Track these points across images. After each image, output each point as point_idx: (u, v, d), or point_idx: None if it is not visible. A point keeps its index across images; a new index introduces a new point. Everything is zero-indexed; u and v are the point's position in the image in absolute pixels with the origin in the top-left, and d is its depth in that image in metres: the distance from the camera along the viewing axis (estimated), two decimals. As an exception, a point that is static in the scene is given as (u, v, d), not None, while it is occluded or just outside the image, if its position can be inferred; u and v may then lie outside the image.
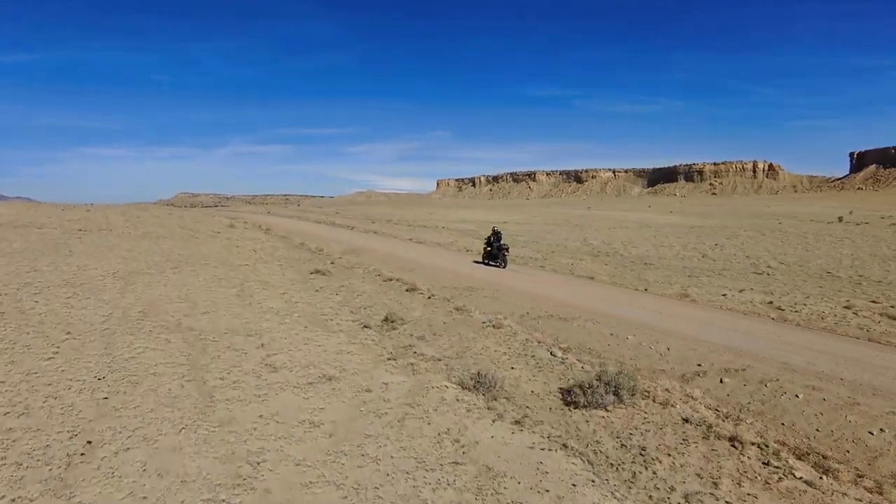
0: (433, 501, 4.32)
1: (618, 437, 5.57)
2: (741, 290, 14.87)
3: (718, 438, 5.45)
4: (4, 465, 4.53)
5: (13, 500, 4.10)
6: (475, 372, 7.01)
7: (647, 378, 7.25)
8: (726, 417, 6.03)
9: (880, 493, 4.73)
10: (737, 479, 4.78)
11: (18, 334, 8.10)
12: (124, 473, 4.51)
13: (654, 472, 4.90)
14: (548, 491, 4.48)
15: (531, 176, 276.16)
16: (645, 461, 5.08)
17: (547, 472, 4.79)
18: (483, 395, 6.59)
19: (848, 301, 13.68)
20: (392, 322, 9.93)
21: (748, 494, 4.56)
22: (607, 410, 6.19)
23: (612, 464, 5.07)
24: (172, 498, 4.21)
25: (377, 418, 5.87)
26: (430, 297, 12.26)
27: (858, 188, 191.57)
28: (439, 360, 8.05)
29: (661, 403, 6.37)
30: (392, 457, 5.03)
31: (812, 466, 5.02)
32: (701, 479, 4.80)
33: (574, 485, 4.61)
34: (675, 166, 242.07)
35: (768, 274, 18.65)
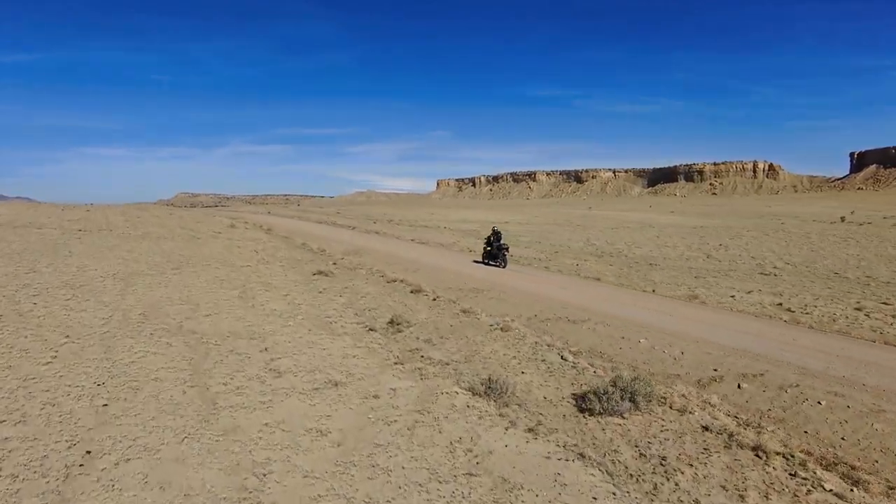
0: (448, 516, 4.13)
1: (636, 447, 5.37)
2: (749, 292, 14.68)
3: (741, 448, 5.25)
4: (0, 477, 4.34)
5: (8, 516, 3.91)
6: (486, 377, 6.81)
7: (662, 383, 7.05)
8: (747, 425, 5.83)
9: (912, 506, 4.54)
10: (763, 492, 4.58)
11: (16, 338, 7.90)
12: (125, 486, 4.32)
13: (677, 484, 4.70)
14: (568, 504, 4.29)
15: (531, 176, 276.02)
16: (666, 472, 4.88)
17: (566, 485, 4.60)
18: (494, 401, 6.39)
19: (858, 303, 13.48)
20: (398, 325, 9.74)
21: (776, 508, 4.37)
22: (623, 418, 5.99)
23: (632, 475, 4.87)
24: (175, 513, 4.03)
25: (386, 426, 5.68)
26: (435, 299, 12.06)
27: (859, 188, 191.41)
28: (447, 364, 7.85)
29: (678, 410, 6.18)
30: (403, 468, 4.83)
31: (841, 478, 4.82)
32: (726, 491, 4.60)
33: (595, 498, 4.42)
34: (676, 166, 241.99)
35: (775, 275, 18.45)
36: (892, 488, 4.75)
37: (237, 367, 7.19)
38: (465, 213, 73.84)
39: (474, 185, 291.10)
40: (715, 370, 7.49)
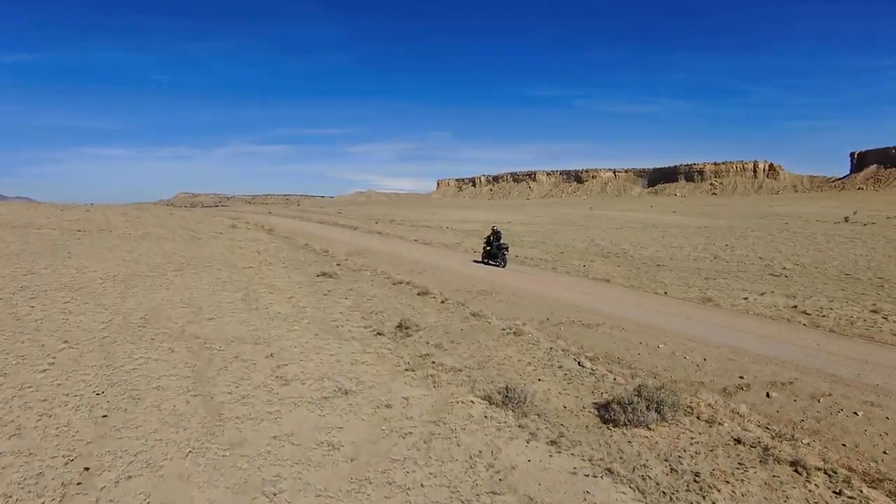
0: (474, 541, 3.84)
1: (666, 461, 5.07)
2: (762, 294, 14.39)
3: (778, 462, 4.95)
4: (-9, 498, 4.05)
5: (-1, 543, 3.62)
6: (503, 386, 6.52)
7: (686, 392, 6.76)
8: (781, 437, 5.54)
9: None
10: (807, 512, 4.29)
11: (12, 343, 7.61)
12: (125, 508, 4.03)
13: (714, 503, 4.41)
14: (600, 527, 4.00)
15: (531, 176, 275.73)
16: (701, 490, 4.59)
17: (596, 504, 4.31)
18: (512, 411, 6.10)
19: (874, 305, 13.19)
20: (406, 329, 9.45)
21: (822, 529, 4.08)
22: (649, 429, 5.70)
23: (664, 492, 4.58)
24: (180, 538, 3.73)
25: (401, 439, 5.38)
26: (443, 302, 11.77)
27: (859, 188, 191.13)
28: (460, 370, 7.56)
29: (706, 421, 5.88)
30: (422, 485, 4.54)
31: (888, 496, 4.53)
32: (767, 511, 4.31)
33: (629, 519, 4.13)
34: (676, 166, 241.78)
35: (786, 276, 18.15)
36: (943, 508, 4.46)
37: (242, 375, 6.90)
38: (467, 213, 73.53)
39: (474, 185, 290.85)
40: (741, 378, 7.19)
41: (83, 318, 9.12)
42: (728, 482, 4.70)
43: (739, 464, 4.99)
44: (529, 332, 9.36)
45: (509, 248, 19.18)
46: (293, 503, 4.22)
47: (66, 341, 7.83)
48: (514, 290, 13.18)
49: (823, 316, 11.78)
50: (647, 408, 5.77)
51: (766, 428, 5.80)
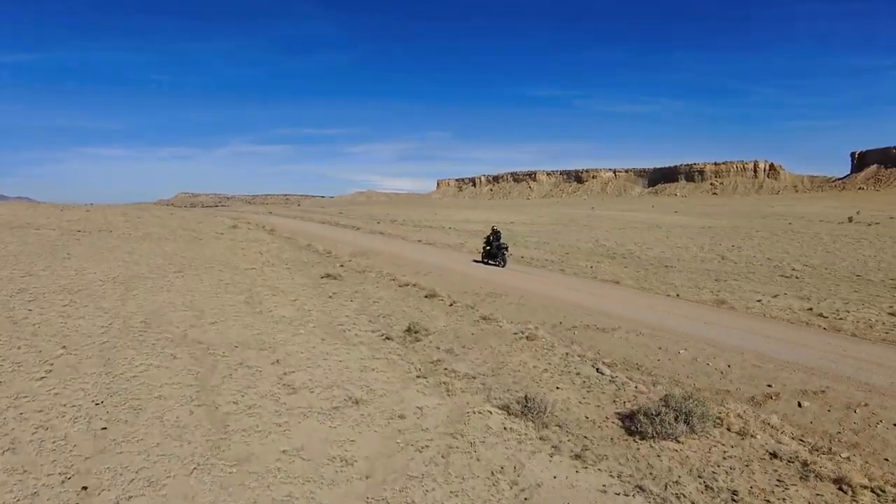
0: (503, 569, 3.55)
1: (700, 477, 4.78)
2: (775, 296, 14.09)
3: (820, 479, 4.66)
4: (-19, 522, 3.76)
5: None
6: (521, 395, 6.23)
7: (712, 401, 6.46)
8: (819, 451, 5.24)
9: None
10: (857, 535, 4.00)
11: (9, 349, 7.31)
12: (126, 533, 3.73)
13: (756, 525, 4.12)
14: (638, 553, 3.71)
15: (532, 176, 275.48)
16: (740, 509, 4.29)
17: (631, 527, 4.02)
18: (532, 421, 5.81)
19: (891, 307, 12.89)
20: (415, 333, 9.16)
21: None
22: (678, 442, 5.41)
23: (701, 512, 4.28)
24: (186, 568, 3.44)
25: (418, 453, 5.09)
26: (451, 305, 11.47)
27: (860, 188, 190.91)
28: (474, 378, 7.27)
29: (737, 433, 5.59)
30: (444, 506, 4.25)
31: (941, 517, 4.24)
32: (814, 534, 4.02)
33: (668, 544, 3.83)
34: (676, 166, 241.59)
35: (797, 277, 17.86)
36: None
37: (248, 383, 6.61)
38: (468, 213, 73.22)
39: (474, 185, 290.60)
40: (769, 386, 6.89)
41: (82, 321, 8.82)
42: (768, 501, 4.41)
43: (779, 480, 4.70)
44: (543, 336, 9.06)
45: (509, 248, 19.20)
46: (306, 526, 3.93)
47: (64, 347, 7.53)
48: (524, 293, 12.88)
49: (841, 319, 11.49)
50: (676, 419, 5.48)
51: (801, 440, 5.51)
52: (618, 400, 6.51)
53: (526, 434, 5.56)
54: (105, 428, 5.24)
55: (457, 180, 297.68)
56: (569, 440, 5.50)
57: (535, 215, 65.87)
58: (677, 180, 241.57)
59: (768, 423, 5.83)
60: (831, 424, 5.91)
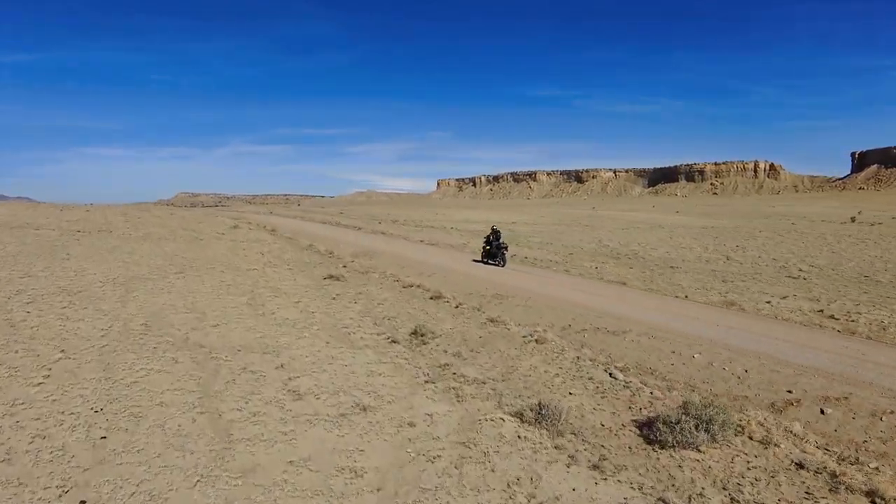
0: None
1: (724, 489, 4.58)
2: (784, 297, 13.89)
3: (851, 492, 4.47)
4: (-27, 540, 3.56)
5: None
6: (534, 401, 6.03)
7: (731, 407, 6.26)
8: (847, 461, 5.05)
9: None
10: (895, 552, 3.80)
11: (6, 353, 7.13)
12: (127, 552, 3.54)
13: (787, 541, 3.92)
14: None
15: (532, 176, 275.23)
16: (770, 524, 4.10)
17: (658, 544, 3.82)
18: (547, 430, 5.61)
19: (903, 309, 12.69)
20: (422, 336, 8.96)
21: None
22: (699, 451, 5.21)
23: (728, 528, 4.09)
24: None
25: (430, 463, 4.89)
26: (457, 307, 11.27)
27: (860, 188, 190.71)
28: (483, 383, 7.07)
29: (760, 442, 5.40)
30: (459, 521, 4.05)
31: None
32: (850, 551, 3.83)
33: (698, 563, 3.64)
34: (676, 166, 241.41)
35: (804, 278, 17.65)
36: None
37: (252, 389, 6.41)
38: (470, 213, 73.00)
39: (475, 184, 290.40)
40: (789, 392, 6.69)
41: (81, 324, 8.63)
42: (799, 515, 4.22)
43: (807, 493, 4.51)
44: (552, 339, 8.86)
45: (509, 248, 19.37)
46: (316, 544, 3.74)
47: (62, 351, 7.34)
48: (530, 294, 12.68)
49: (853, 321, 11.28)
50: (697, 427, 5.28)
51: (827, 450, 5.31)
52: (633, 406, 6.32)
53: (541, 443, 5.36)
54: (105, 437, 5.05)
55: (457, 180, 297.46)
56: (585, 449, 5.30)
57: (536, 215, 65.65)
58: (677, 180, 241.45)
59: (791, 432, 5.63)
60: (857, 433, 5.71)
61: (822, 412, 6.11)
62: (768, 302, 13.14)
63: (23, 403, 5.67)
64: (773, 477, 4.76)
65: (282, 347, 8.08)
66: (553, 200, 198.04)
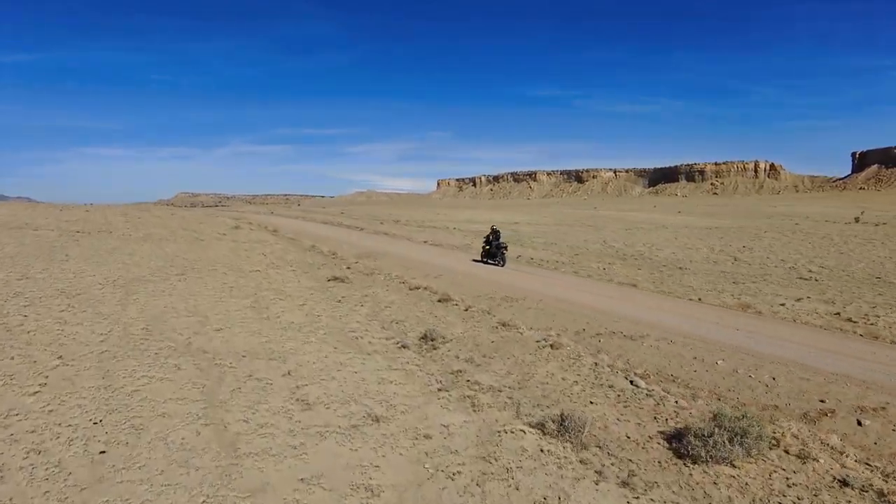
0: None
1: (766, 509, 4.28)
2: (798, 299, 13.59)
3: (902, 513, 4.17)
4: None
5: None
6: (556, 412, 5.74)
7: (761, 418, 5.96)
8: (894, 478, 4.75)
9: None
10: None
11: (1, 359, 6.84)
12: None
13: (841, 569, 3.62)
14: None
15: (532, 176, 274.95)
16: (820, 550, 3.80)
17: (704, 574, 3.52)
18: (570, 442, 5.32)
19: (921, 312, 12.39)
20: (432, 340, 8.68)
21: None
22: (734, 466, 4.92)
23: (775, 553, 3.79)
24: None
25: (450, 481, 4.60)
26: (466, 310, 10.98)
27: (861, 188, 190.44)
28: (499, 391, 6.78)
29: (797, 456, 5.10)
30: (486, 546, 3.76)
31: None
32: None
33: None
34: (677, 166, 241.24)
35: (816, 280, 17.36)
36: None
37: (258, 398, 6.12)
38: (471, 213, 72.71)
39: (475, 184, 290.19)
40: (822, 402, 6.40)
41: (80, 328, 8.34)
42: (850, 539, 3.92)
43: (855, 514, 4.21)
44: (567, 344, 8.57)
45: (508, 248, 19.52)
46: (333, 573, 3.44)
47: (60, 357, 7.05)
48: (541, 297, 12.38)
49: (872, 324, 10.99)
50: (731, 441, 4.98)
51: (868, 464, 5.01)
52: (659, 417, 6.02)
53: (565, 457, 5.07)
54: (104, 452, 4.76)
55: (457, 180, 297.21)
56: (612, 464, 5.01)
57: (538, 215, 65.36)
58: (678, 180, 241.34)
59: (828, 445, 5.33)
60: (899, 446, 5.42)
61: (858, 423, 5.81)
62: (783, 304, 12.85)
63: (17, 414, 5.38)
64: (816, 495, 4.47)
65: (288, 353, 7.79)
66: (553, 200, 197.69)
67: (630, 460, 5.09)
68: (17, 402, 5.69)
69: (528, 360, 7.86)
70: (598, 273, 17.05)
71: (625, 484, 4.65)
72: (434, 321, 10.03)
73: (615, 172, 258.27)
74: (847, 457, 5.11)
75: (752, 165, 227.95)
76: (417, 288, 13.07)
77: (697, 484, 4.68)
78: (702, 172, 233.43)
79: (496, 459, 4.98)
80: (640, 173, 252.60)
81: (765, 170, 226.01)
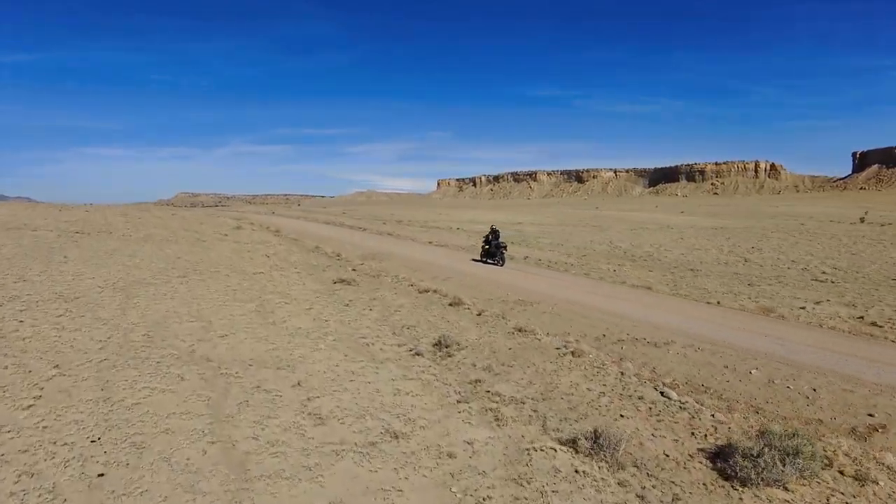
0: None
1: (830, 541, 3.89)
2: (818, 302, 13.19)
3: (983, 546, 3.78)
4: None
5: None
6: (589, 428, 5.34)
7: (807, 433, 5.57)
8: (964, 504, 4.36)
9: None
10: None
11: (-6, 368, 6.44)
12: None
13: None
14: None
15: (532, 176, 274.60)
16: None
17: None
18: (606, 462, 4.93)
19: (946, 315, 12.00)
20: (446, 347, 8.28)
21: None
22: (787, 490, 4.53)
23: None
24: None
25: (481, 507, 4.20)
26: (479, 314, 10.58)
27: (861, 188, 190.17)
28: (522, 403, 6.39)
29: (854, 477, 4.71)
30: (529, 587, 3.36)
31: None
32: None
33: None
34: (677, 166, 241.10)
35: (832, 282, 16.96)
36: None
37: (267, 412, 5.73)
38: (473, 213, 72.29)
39: (475, 184, 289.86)
40: (870, 415, 6.01)
41: (78, 335, 7.95)
42: (930, 577, 3.53)
43: (930, 546, 3.82)
44: (589, 351, 8.17)
45: (508, 248, 19.75)
46: None
47: (57, 366, 6.66)
48: (555, 300, 11.98)
49: (898, 328, 10.60)
50: (782, 461, 4.59)
51: (932, 487, 4.62)
52: (696, 432, 5.63)
53: (602, 479, 4.68)
54: (102, 475, 4.37)
55: (457, 180, 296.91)
56: (653, 486, 4.62)
57: (541, 216, 64.96)
58: (678, 180, 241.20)
59: (884, 464, 4.94)
60: (963, 466, 5.03)
61: (914, 440, 5.43)
62: (803, 308, 12.46)
63: (9, 431, 4.99)
64: (882, 524, 4.08)
65: (296, 361, 7.40)
66: (554, 200, 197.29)
67: (672, 482, 4.70)
68: (10, 416, 5.30)
69: (550, 369, 7.46)
70: (610, 275, 16.65)
71: (670, 510, 4.26)
72: (447, 326, 9.64)
73: (615, 172, 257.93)
74: (908, 479, 4.72)
75: (752, 165, 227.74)
76: (427, 291, 12.68)
77: (750, 510, 4.29)
78: (702, 172, 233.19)
79: (528, 482, 4.59)
80: (641, 173, 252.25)
81: (765, 170, 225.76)
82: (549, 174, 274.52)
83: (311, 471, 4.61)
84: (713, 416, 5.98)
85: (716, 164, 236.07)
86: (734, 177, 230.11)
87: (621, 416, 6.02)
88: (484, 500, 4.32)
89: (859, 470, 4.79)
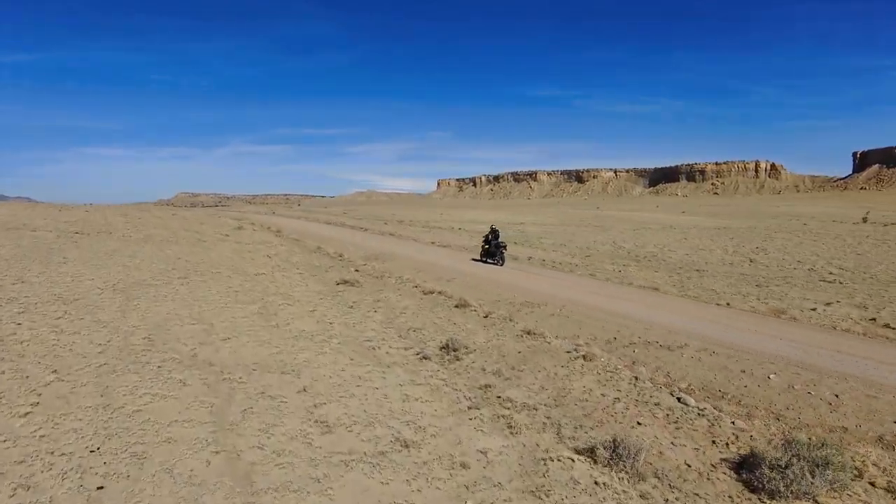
0: None
1: (867, 558, 3.70)
2: (828, 304, 13.00)
3: None
4: None
5: None
6: (606, 437, 5.15)
7: (832, 442, 5.37)
8: None
9: None
10: None
11: (-10, 374, 6.25)
12: None
13: None
14: None
15: (532, 176, 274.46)
16: None
17: None
18: (626, 472, 4.73)
19: (960, 317, 11.80)
20: (454, 351, 8.08)
21: None
22: (817, 502, 4.33)
23: None
24: None
25: (499, 522, 4.01)
26: (486, 316, 10.39)
27: (861, 188, 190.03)
28: (535, 409, 6.19)
29: (885, 489, 4.52)
30: None
31: None
32: None
33: None
34: (677, 166, 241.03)
35: (840, 282, 16.77)
36: None
37: (272, 419, 5.54)
38: (474, 213, 72.10)
39: (475, 184, 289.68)
40: (897, 423, 5.83)
41: (77, 338, 7.76)
42: None
43: (974, 565, 3.62)
44: (601, 355, 7.98)
45: (509, 247, 19.90)
46: None
47: (55, 371, 6.47)
48: (563, 302, 11.78)
49: (913, 331, 10.40)
50: (812, 472, 4.40)
51: (968, 500, 4.43)
52: (717, 440, 5.43)
53: (624, 491, 4.48)
54: (102, 487, 4.18)
55: (457, 180, 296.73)
56: (677, 499, 4.42)
57: (542, 216, 64.77)
58: (678, 180, 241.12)
59: (916, 475, 4.74)
60: None
61: (946, 450, 5.24)
62: (813, 309, 12.26)
63: (5, 441, 4.80)
64: (920, 540, 3.89)
65: (301, 365, 7.20)
66: (554, 200, 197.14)
67: (696, 494, 4.50)
68: (6, 425, 5.11)
69: (562, 374, 7.27)
70: (615, 276, 16.45)
71: (696, 524, 4.07)
72: (454, 329, 9.44)
73: (615, 172, 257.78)
74: (943, 491, 4.52)
75: (752, 165, 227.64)
76: (431, 292, 12.48)
77: (780, 525, 4.10)
78: (702, 172, 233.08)
79: (547, 494, 4.39)
80: (641, 173, 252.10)
81: (766, 170, 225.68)
82: (549, 174, 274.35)
83: (319, 483, 4.41)
84: (733, 423, 5.78)
85: (716, 164, 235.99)
86: (734, 177, 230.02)
87: (638, 423, 5.83)
88: (501, 514, 4.12)
89: (891, 482, 4.60)
